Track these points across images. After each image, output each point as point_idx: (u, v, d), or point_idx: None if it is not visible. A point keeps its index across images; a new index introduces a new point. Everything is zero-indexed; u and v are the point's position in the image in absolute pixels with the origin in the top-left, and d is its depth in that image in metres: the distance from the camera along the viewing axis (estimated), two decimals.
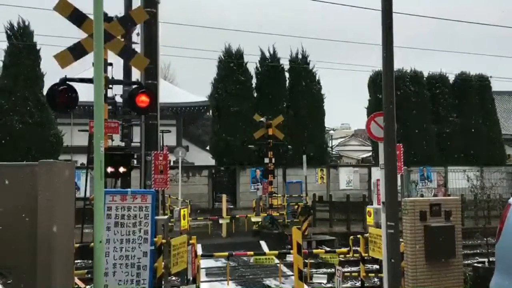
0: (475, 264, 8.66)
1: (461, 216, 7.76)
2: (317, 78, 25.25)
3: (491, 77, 27.22)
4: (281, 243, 15.22)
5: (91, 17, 5.76)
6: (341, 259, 9.77)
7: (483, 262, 8.55)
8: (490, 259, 8.10)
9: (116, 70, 10.53)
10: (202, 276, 10.42)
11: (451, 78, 26.75)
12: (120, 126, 11.32)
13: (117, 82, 9.39)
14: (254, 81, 24.68)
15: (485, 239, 8.94)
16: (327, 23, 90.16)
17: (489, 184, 11.00)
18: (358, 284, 9.41)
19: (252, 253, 9.97)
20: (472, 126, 25.69)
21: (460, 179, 23.17)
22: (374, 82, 24.74)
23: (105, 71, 7.19)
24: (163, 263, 7.07)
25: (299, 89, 24.38)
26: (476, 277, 8.03)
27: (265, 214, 18.02)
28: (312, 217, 17.93)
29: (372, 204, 11.42)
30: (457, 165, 24.72)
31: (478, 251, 13.04)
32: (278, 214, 18.29)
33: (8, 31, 20.61)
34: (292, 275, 8.65)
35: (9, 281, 3.49)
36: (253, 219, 18.04)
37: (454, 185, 24.22)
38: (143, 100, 7.47)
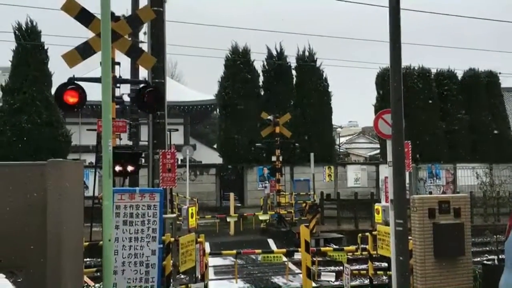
0: (485, 262, 8.59)
1: (470, 214, 7.71)
2: (324, 75, 25.19)
3: (500, 73, 27.01)
4: (289, 241, 15.22)
5: (99, 16, 5.78)
6: (349, 257, 9.78)
7: (493, 260, 8.49)
8: (500, 257, 8.04)
9: (124, 69, 10.57)
10: (210, 274, 10.45)
11: (460, 74, 26.59)
12: (128, 125, 11.37)
13: (125, 81, 9.42)
14: (261, 79, 24.69)
15: (494, 236, 8.87)
16: (335, 21, 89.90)
17: (498, 181, 10.90)
18: (367, 282, 9.41)
19: (260, 251, 9.99)
20: (481, 123, 25.49)
21: (469, 176, 23.02)
22: (382, 79, 24.61)
23: (113, 70, 7.21)
24: (171, 261, 7.10)
25: (306, 87, 24.33)
26: (486, 274, 7.98)
27: (273, 212, 18.03)
28: (320, 215, 17.91)
29: (380, 202, 11.40)
30: (465, 162, 24.55)
31: (488, 248, 12.95)
32: (285, 212, 18.29)
33: (16, 31, 20.72)
34: (300, 273, 8.65)
35: (19, 280, 3.51)
36: (261, 217, 18.06)
37: (463, 182, 24.06)
38: (150, 99, 7.49)
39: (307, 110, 23.90)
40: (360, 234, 9.45)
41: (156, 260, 6.00)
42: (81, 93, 7.00)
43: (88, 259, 12.14)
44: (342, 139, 45.40)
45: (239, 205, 22.43)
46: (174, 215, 11.95)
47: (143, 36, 16.14)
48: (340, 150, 39.27)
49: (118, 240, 5.91)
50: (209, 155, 30.83)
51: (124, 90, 13.37)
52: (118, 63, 8.01)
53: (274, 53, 24.79)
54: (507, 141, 26.02)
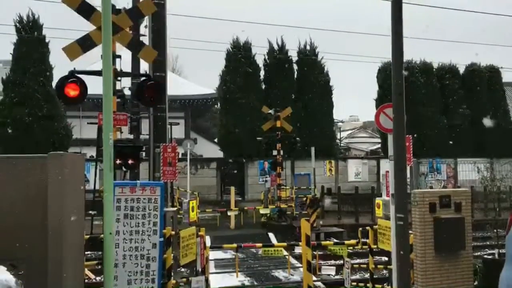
0: (485, 256, 8.62)
1: (471, 208, 7.69)
2: (325, 69, 25.15)
3: (501, 67, 26.95)
4: (289, 235, 15.24)
5: (99, 9, 5.75)
6: (349, 251, 9.79)
7: (493, 254, 8.50)
8: (500, 251, 8.05)
9: (124, 62, 10.53)
10: (211, 268, 10.48)
11: (461, 69, 26.52)
12: (128, 118, 11.34)
13: (126, 74, 9.37)
14: (262, 73, 24.63)
15: (495, 231, 8.88)
16: (336, 14, 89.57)
17: (499, 176, 10.91)
18: (367, 275, 9.42)
19: (260, 245, 10.01)
20: (482, 117, 25.46)
21: (470, 170, 23.03)
22: (383, 73, 24.57)
23: (114, 63, 7.19)
24: (172, 254, 7.11)
25: (307, 81, 24.29)
26: (486, 269, 7.99)
27: (274, 206, 18.06)
28: (321, 209, 17.93)
29: (381, 196, 11.40)
30: (467, 157, 24.54)
31: (488, 243, 12.97)
32: (286, 206, 18.31)
33: (18, 24, 20.67)
34: (301, 266, 8.68)
35: (21, 272, 3.52)
36: (262, 211, 18.09)
37: (464, 176, 24.08)
38: (151, 92, 7.47)
39: (308, 104, 23.88)
40: (360, 228, 9.43)
41: (157, 253, 6.01)
42: (82, 86, 6.99)
43: (89, 252, 12.16)
44: (343, 134, 45.31)
45: (240, 199, 22.45)
46: (175, 208, 11.98)
47: (144, 30, 16.08)
48: (341, 145, 39.23)
49: (119, 234, 5.91)
50: (210, 149, 30.81)
51: (125, 83, 13.35)
52: (119, 56, 7.98)
53: (276, 47, 24.72)
54: (508, 135, 25.97)
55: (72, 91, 6.94)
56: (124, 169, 8.00)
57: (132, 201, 6.02)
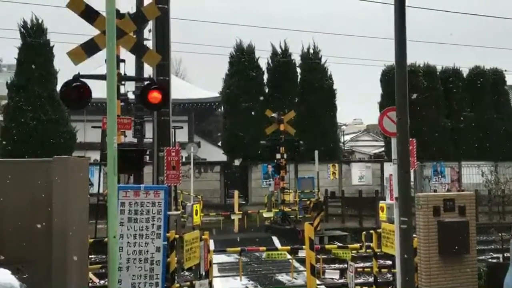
0: (490, 260, 8.57)
1: (475, 212, 7.67)
2: (328, 73, 25.16)
3: (505, 70, 26.87)
4: (293, 239, 15.22)
5: (104, 14, 5.79)
6: (353, 254, 9.74)
7: (498, 258, 8.46)
8: (505, 255, 8.01)
9: (128, 67, 10.59)
10: (215, 272, 10.46)
11: (465, 72, 26.46)
12: (132, 122, 11.39)
13: (130, 78, 9.42)
14: (265, 76, 24.67)
15: (499, 234, 8.84)
16: (339, 18, 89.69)
17: (503, 179, 10.88)
18: (371, 279, 9.39)
19: (264, 248, 9.99)
20: (486, 121, 25.39)
21: (474, 174, 22.94)
22: (387, 76, 24.56)
23: (118, 67, 7.22)
24: (176, 258, 7.12)
25: (310, 84, 24.30)
26: (491, 273, 7.95)
27: (277, 210, 18.04)
28: (324, 212, 17.90)
29: (384, 200, 11.38)
30: (471, 160, 24.46)
31: (493, 246, 12.90)
32: (290, 209, 18.29)
33: (22, 29, 20.79)
34: (305, 270, 8.65)
35: (25, 276, 3.53)
36: (265, 215, 18.08)
37: (468, 180, 23.98)
38: (155, 96, 7.50)
39: (312, 108, 23.87)
40: (364, 232, 9.41)
41: (160, 257, 6.01)
42: (86, 90, 7.01)
43: (93, 256, 12.19)
44: (347, 137, 45.28)
45: (243, 202, 22.45)
46: (179, 212, 11.99)
47: (148, 34, 16.15)
48: (345, 148, 39.18)
49: (122, 237, 5.92)
50: (214, 153, 30.84)
51: (128, 88, 13.41)
52: (123, 61, 8.02)
53: (279, 50, 24.76)
54: None
55: (76, 95, 6.96)
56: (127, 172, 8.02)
57: (136, 205, 6.03)
